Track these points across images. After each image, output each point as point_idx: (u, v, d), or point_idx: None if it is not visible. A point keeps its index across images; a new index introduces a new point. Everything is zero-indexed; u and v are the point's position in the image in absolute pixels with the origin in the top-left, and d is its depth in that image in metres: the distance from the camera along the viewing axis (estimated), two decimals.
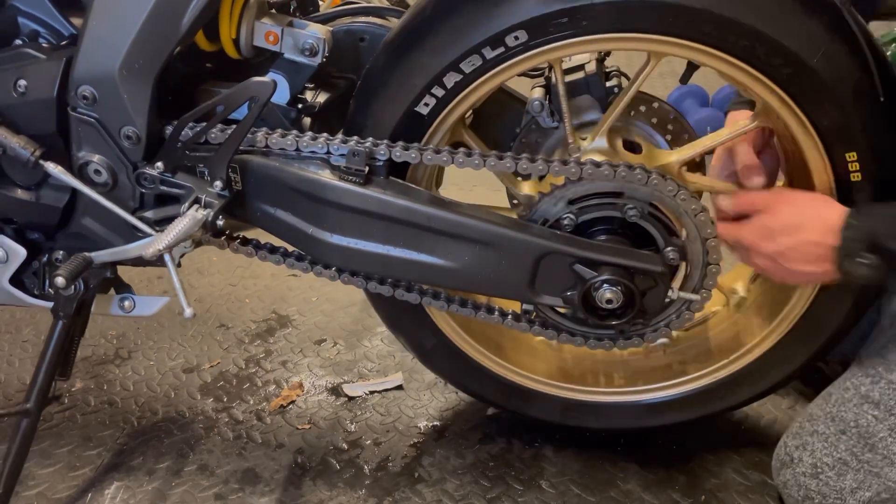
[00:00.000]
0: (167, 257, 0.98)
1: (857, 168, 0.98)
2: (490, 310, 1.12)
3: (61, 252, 1.14)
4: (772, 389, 1.21)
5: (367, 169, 1.00)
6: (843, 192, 0.99)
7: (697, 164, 1.17)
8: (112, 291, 1.21)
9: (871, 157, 0.97)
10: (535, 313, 1.12)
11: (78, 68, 1.00)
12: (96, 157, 1.05)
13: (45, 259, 1.15)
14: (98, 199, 1.04)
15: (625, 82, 1.16)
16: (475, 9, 0.96)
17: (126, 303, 1.19)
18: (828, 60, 0.92)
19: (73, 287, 1.11)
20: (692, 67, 1.12)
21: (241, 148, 1.01)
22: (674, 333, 1.24)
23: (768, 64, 0.93)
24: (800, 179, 1.07)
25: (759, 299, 1.21)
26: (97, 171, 1.05)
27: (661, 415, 1.25)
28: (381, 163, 1.01)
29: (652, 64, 1.03)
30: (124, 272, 1.21)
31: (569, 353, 1.31)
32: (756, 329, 1.18)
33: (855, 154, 0.97)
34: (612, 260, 1.00)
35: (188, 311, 0.99)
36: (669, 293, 1.03)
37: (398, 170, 1.05)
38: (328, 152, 1.03)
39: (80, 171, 1.05)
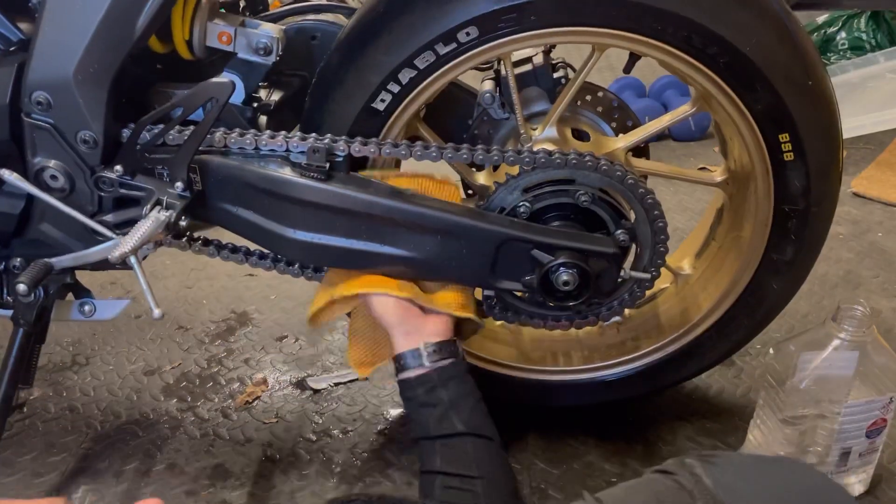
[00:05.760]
0: (133, 259, 0.98)
1: (790, 148, 1.04)
2: None
3: (19, 259, 1.13)
4: (718, 360, 1.29)
5: (328, 165, 1.03)
6: (778, 170, 1.06)
7: (641, 150, 1.23)
8: (71, 297, 1.20)
9: (802, 137, 1.04)
10: (495, 299, 1.16)
11: (31, 74, 0.99)
12: (52, 163, 1.04)
13: (1, 267, 1.14)
14: (56, 204, 1.04)
15: (570, 73, 1.21)
16: (428, 6, 0.99)
17: (86, 307, 1.19)
18: (760, 48, 0.99)
19: (32, 294, 1.10)
20: (634, 58, 1.17)
21: (199, 148, 1.02)
22: (626, 312, 1.30)
23: (705, 53, 0.99)
24: (739, 161, 1.14)
25: (705, 275, 1.28)
26: (54, 177, 1.05)
27: (620, 389, 1.30)
28: (340, 158, 1.04)
29: (596, 55, 1.08)
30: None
31: (528, 336, 1.36)
32: (703, 303, 1.25)
33: (787, 135, 1.04)
34: (567, 244, 1.04)
35: (156, 312, 1.01)
36: (621, 273, 1.08)
37: (357, 165, 1.07)
38: (287, 150, 1.04)
39: (36, 177, 1.05)
